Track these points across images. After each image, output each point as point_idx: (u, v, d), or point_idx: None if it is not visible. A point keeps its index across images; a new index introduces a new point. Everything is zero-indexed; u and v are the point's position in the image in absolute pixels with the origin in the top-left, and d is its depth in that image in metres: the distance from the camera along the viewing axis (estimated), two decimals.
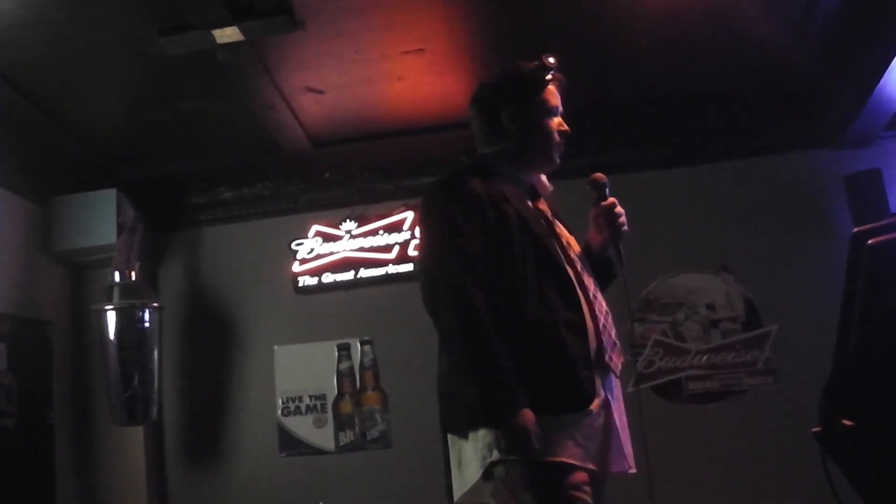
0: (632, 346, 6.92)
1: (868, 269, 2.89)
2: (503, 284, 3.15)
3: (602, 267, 3.58)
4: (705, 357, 6.87)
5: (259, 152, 7.23)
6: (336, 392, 7.23)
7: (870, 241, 2.89)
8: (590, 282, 3.37)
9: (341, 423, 7.19)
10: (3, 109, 6.11)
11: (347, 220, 7.35)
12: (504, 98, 3.51)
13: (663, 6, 5.65)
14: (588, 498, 3.12)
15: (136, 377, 6.66)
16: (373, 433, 7.13)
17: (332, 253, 7.35)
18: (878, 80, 5.86)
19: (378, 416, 7.12)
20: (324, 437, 7.20)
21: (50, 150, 6.82)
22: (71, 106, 6.38)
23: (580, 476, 3.10)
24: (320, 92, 6.32)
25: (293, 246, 7.44)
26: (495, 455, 3.11)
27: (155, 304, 6.92)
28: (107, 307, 6.69)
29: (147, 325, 6.79)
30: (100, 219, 6.94)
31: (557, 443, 3.06)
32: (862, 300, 2.90)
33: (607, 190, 3.56)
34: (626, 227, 3.52)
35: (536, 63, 3.52)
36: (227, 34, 5.38)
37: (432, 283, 3.24)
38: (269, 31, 5.50)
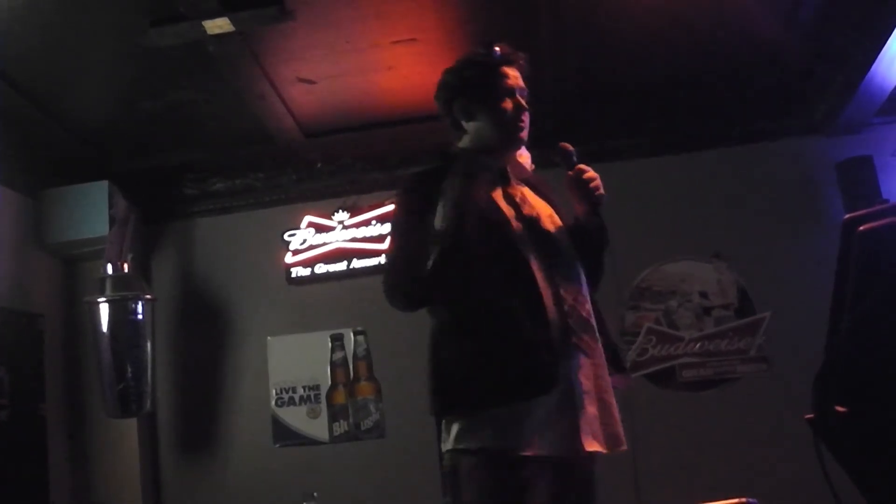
0: (622, 334, 6.96)
1: (860, 255, 2.90)
2: (460, 284, 3.16)
3: (592, 237, 3.53)
4: (698, 344, 6.88)
5: (251, 143, 7.22)
6: (330, 382, 7.24)
7: (861, 228, 2.90)
8: (559, 261, 3.34)
9: (335, 414, 7.19)
10: None
11: (340, 211, 7.34)
12: (455, 90, 3.53)
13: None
14: (538, 493, 3.10)
15: (130, 369, 6.65)
16: (367, 423, 7.13)
17: (324, 243, 7.34)
18: (869, 67, 5.87)
19: (372, 407, 7.12)
20: (318, 427, 7.21)
21: (41, 142, 6.81)
22: (62, 98, 6.37)
23: (531, 468, 3.07)
24: (311, 82, 6.31)
25: (286, 237, 7.43)
26: (449, 444, 3.16)
27: (148, 296, 6.91)
28: (99, 299, 6.67)
29: (140, 317, 6.77)
30: (92, 211, 6.92)
31: (509, 433, 3.05)
32: (854, 286, 2.90)
33: (575, 158, 3.49)
34: (601, 192, 3.44)
35: (483, 49, 3.56)
36: (218, 25, 5.37)
37: (391, 284, 3.33)
38: (259, 21, 5.49)
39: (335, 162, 7.21)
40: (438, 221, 3.21)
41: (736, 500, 4.19)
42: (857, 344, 2.86)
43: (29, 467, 6.15)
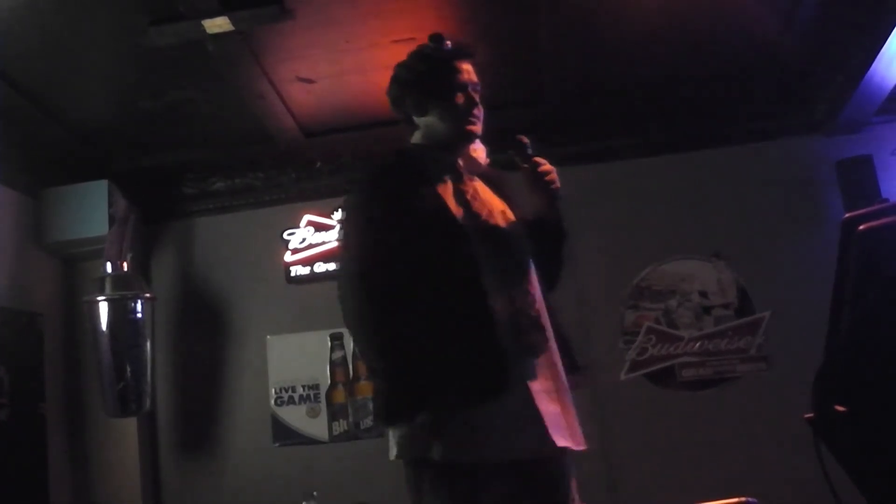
0: (622, 333, 6.96)
1: (860, 254, 2.90)
2: (407, 288, 3.10)
3: (549, 232, 3.50)
4: (698, 344, 6.88)
5: (250, 143, 7.22)
6: (329, 382, 7.24)
7: (861, 227, 2.90)
8: (508, 260, 3.29)
9: (334, 413, 7.19)
10: None
11: (339, 210, 7.33)
12: (404, 87, 3.50)
13: None
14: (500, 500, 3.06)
15: (129, 368, 6.65)
16: (366, 422, 7.13)
17: (324, 242, 7.34)
18: (869, 66, 5.86)
19: (371, 406, 7.12)
20: (317, 426, 7.21)
21: (41, 142, 6.80)
22: (62, 97, 6.36)
23: (490, 475, 3.04)
24: (311, 81, 6.31)
25: (285, 236, 7.43)
26: (395, 453, 3.16)
27: (147, 295, 6.91)
28: (99, 298, 6.67)
29: (139, 316, 6.77)
30: (91, 210, 6.93)
31: (465, 441, 3.01)
32: (854, 285, 2.90)
33: (529, 150, 3.44)
34: (557, 185, 3.41)
35: (435, 43, 3.52)
36: (218, 24, 5.37)
37: (341, 290, 3.24)
38: (259, 20, 5.49)
39: (335, 161, 7.20)
40: (395, 225, 3.17)
41: (736, 500, 4.19)
42: (857, 343, 2.86)
43: (29, 466, 6.15)
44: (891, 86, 6.18)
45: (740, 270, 6.94)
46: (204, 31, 5.44)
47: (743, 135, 7.11)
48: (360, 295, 3.12)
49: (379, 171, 3.43)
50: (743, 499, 4.19)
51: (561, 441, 3.09)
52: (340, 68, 6.09)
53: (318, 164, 7.35)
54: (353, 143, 7.06)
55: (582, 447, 3.22)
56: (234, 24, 5.40)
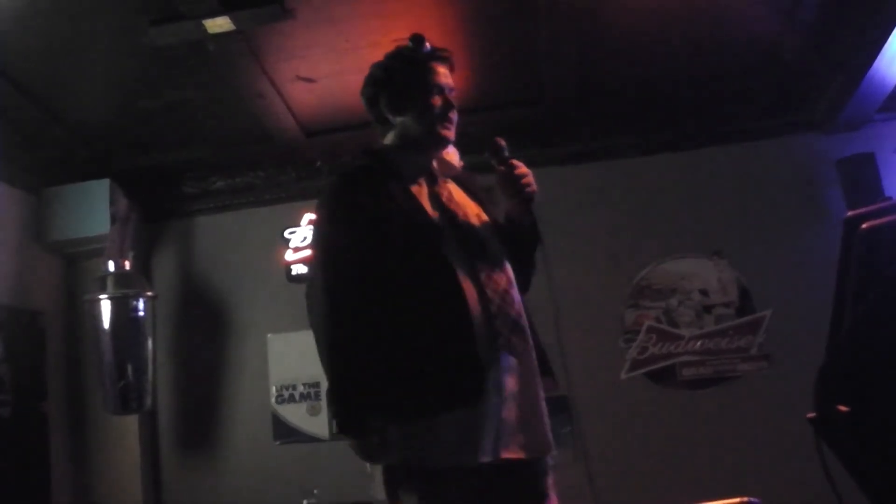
0: (623, 332, 6.96)
1: (862, 253, 2.90)
2: (376, 292, 3.07)
3: (523, 235, 3.42)
4: (699, 343, 6.87)
5: (251, 142, 7.23)
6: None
7: (863, 226, 2.90)
8: (485, 262, 3.22)
9: None
10: None
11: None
12: (380, 86, 3.47)
13: None
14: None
15: (130, 366, 6.67)
16: None
17: None
18: (871, 64, 5.86)
19: None
20: (318, 424, 7.21)
21: (42, 141, 6.82)
22: (63, 96, 6.37)
23: (458, 479, 3.00)
24: (311, 81, 6.32)
25: (286, 234, 7.43)
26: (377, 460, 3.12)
27: (148, 294, 6.93)
28: (100, 297, 6.70)
29: (141, 314, 6.79)
30: (93, 209, 6.95)
31: (434, 445, 2.97)
32: (855, 285, 2.90)
33: (505, 153, 3.35)
34: (532, 188, 3.31)
35: (412, 43, 3.48)
36: (218, 24, 5.38)
37: (308, 295, 3.23)
38: (259, 20, 5.50)
39: (335, 160, 7.20)
40: (362, 228, 3.15)
41: (738, 500, 4.19)
42: (859, 342, 2.86)
43: (31, 464, 6.17)
44: (892, 84, 6.17)
45: (741, 269, 6.93)
46: (205, 30, 5.44)
47: (743, 133, 7.09)
48: (321, 301, 3.11)
49: (347, 173, 3.40)
50: (745, 499, 4.19)
51: (507, 453, 3.03)
52: (341, 67, 6.09)
53: (319, 163, 7.35)
54: (353, 142, 7.06)
55: (548, 453, 3.18)
56: (234, 24, 5.41)
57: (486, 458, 2.97)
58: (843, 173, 6.72)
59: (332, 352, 3.07)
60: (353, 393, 3.02)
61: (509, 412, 3.05)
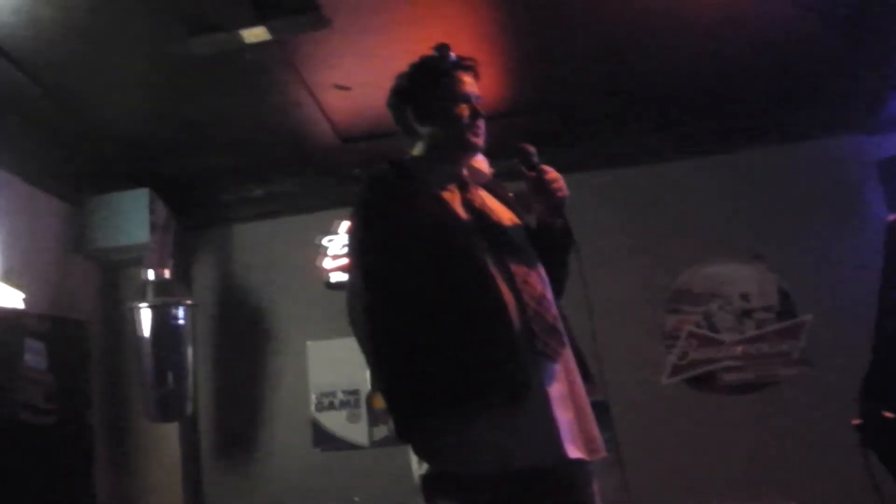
0: (662, 337, 6.93)
1: None
2: (416, 298, 3.04)
3: (555, 240, 3.42)
4: (739, 348, 6.83)
5: (288, 149, 7.24)
6: (369, 387, 7.24)
7: None
8: (520, 266, 3.22)
9: (375, 418, 7.21)
10: (35, 111, 6.17)
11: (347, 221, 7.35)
12: (407, 96, 3.48)
13: None
14: None
15: (171, 374, 6.72)
16: None
17: None
18: None
19: None
20: (358, 431, 7.24)
21: (82, 151, 6.87)
22: (102, 107, 6.40)
23: (504, 484, 2.96)
24: (347, 88, 6.32)
25: (324, 242, 7.46)
26: (421, 469, 3.11)
27: (189, 302, 6.97)
28: (141, 305, 6.75)
29: (181, 322, 6.84)
30: (133, 218, 6.99)
31: (479, 451, 2.95)
32: None
33: (535, 158, 3.35)
34: (563, 192, 3.31)
35: (438, 53, 3.49)
36: (255, 34, 5.39)
37: (349, 305, 3.22)
38: (296, 29, 5.50)
39: (372, 167, 7.19)
40: (398, 237, 3.14)
41: None
42: None
43: (75, 472, 6.20)
44: None
45: (782, 273, 6.89)
46: (242, 40, 5.45)
47: (782, 135, 7.06)
48: (364, 310, 3.10)
49: (377, 179, 3.41)
50: None
51: (574, 452, 3.03)
52: (377, 75, 6.01)
53: (356, 170, 7.36)
54: (390, 149, 7.06)
55: (600, 455, 3.16)
56: (271, 34, 5.42)
57: (541, 461, 2.97)
58: (884, 174, 6.66)
59: (379, 359, 3.07)
60: (405, 399, 3.01)
61: (562, 413, 3.05)
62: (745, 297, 6.94)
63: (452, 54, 3.47)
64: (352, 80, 6.23)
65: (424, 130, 3.43)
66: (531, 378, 2.98)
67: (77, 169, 7.05)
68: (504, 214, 3.39)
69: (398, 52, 5.74)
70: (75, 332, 6.28)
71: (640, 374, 6.78)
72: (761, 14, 5.89)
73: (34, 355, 5.56)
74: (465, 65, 3.46)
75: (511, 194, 3.57)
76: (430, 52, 3.51)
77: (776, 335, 6.79)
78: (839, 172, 6.92)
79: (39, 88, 5.94)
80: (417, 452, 3.06)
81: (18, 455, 5.20)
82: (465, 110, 3.36)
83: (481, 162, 3.49)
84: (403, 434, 3.04)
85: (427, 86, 3.43)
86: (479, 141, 3.40)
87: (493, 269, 3.11)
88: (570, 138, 6.99)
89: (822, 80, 6.72)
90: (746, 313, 6.89)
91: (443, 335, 3.01)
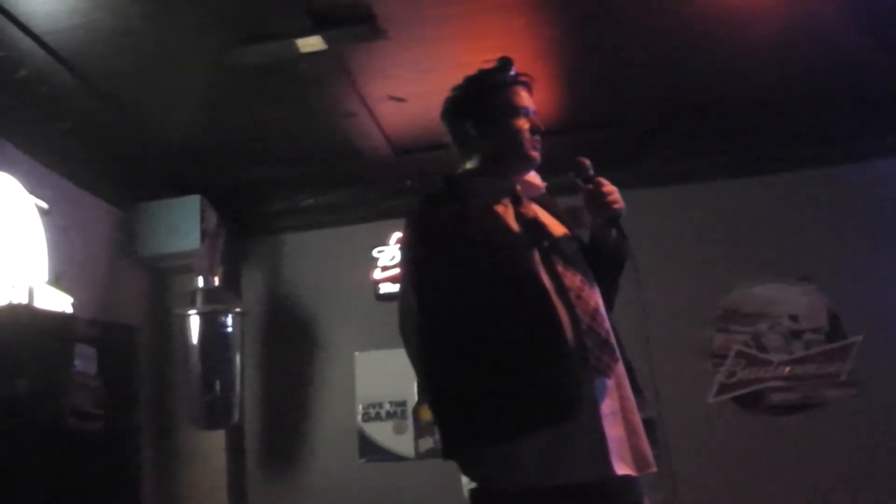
0: (710, 356, 6.91)
1: None
2: (469, 313, 3.04)
3: (609, 253, 3.40)
4: (787, 368, 6.80)
5: (340, 160, 7.26)
6: (416, 399, 7.26)
7: None
8: (574, 280, 3.19)
9: (421, 430, 7.21)
10: (88, 117, 6.22)
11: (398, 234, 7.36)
12: (466, 107, 3.47)
13: (741, 15, 5.59)
14: None
15: (218, 382, 6.74)
16: None
17: None
18: None
19: None
20: (404, 443, 7.25)
21: (135, 157, 6.91)
22: (155, 114, 6.45)
23: (556, 499, 2.96)
24: (401, 100, 6.34)
25: (374, 253, 7.49)
26: (470, 485, 3.07)
27: (237, 310, 7.00)
28: (190, 312, 6.79)
29: (229, 330, 6.87)
30: (183, 225, 7.04)
31: (532, 465, 2.94)
32: None
33: (591, 172, 3.34)
34: (619, 205, 3.29)
35: (494, 66, 3.48)
36: (311, 43, 5.41)
37: (401, 319, 3.21)
38: (351, 39, 5.51)
39: (424, 179, 7.21)
40: (455, 251, 3.14)
41: None
42: None
43: (122, 479, 6.23)
44: None
45: (831, 294, 6.86)
46: (297, 49, 5.48)
47: (833, 156, 7.02)
48: (418, 336, 3.10)
49: (432, 196, 3.42)
50: None
51: (621, 468, 3.01)
52: (431, 87, 6.03)
53: (408, 181, 7.39)
54: (442, 162, 7.07)
55: (650, 470, 3.14)
56: (327, 43, 5.44)
57: (589, 477, 2.96)
58: None
59: (431, 378, 3.07)
60: (454, 417, 3.01)
61: (612, 429, 3.03)
62: (793, 317, 6.91)
63: (512, 69, 3.46)
64: (406, 91, 6.25)
65: (482, 143, 3.42)
66: (583, 396, 2.97)
67: (129, 175, 7.11)
68: (557, 229, 3.37)
69: (453, 65, 5.78)
70: (125, 337, 6.32)
71: (687, 392, 6.75)
72: (819, 35, 5.86)
73: (84, 360, 5.58)
74: (522, 80, 3.46)
75: (566, 209, 3.58)
76: (487, 65, 3.51)
77: (824, 356, 6.75)
78: (891, 194, 6.87)
79: (93, 94, 6.00)
80: (465, 470, 3.05)
81: (66, 460, 5.23)
82: (524, 123, 3.36)
83: (534, 176, 3.49)
84: (452, 453, 3.03)
85: (488, 97, 3.42)
86: (537, 155, 3.40)
87: (547, 284, 3.10)
88: (620, 155, 6.98)
89: (877, 102, 6.68)
90: (795, 334, 6.86)
91: (496, 356, 3.00)
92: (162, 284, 7.53)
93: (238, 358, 6.98)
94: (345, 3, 5.23)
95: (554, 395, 2.94)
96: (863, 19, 5.77)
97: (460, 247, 3.13)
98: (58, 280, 5.91)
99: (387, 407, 7.31)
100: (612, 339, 3.18)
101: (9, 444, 4.75)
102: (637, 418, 3.18)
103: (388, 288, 7.39)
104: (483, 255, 3.11)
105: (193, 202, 7.10)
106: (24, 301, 5.38)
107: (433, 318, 3.06)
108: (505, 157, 3.39)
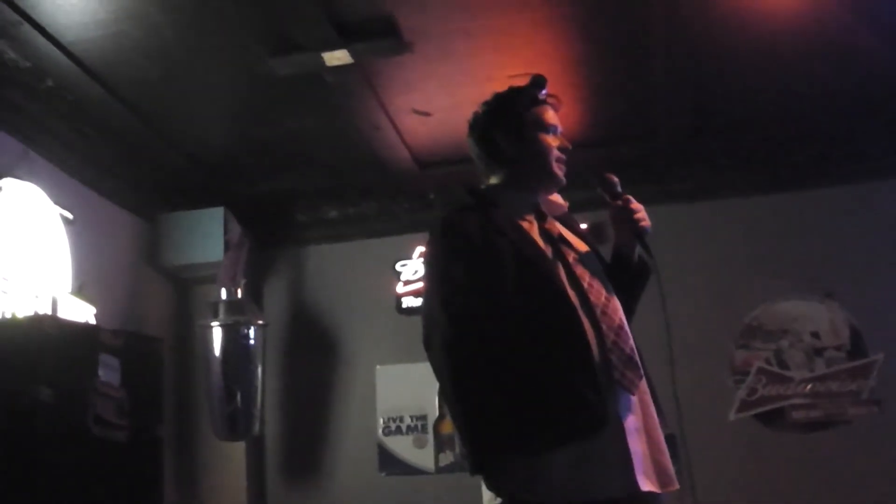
0: (732, 372, 6.89)
1: None
2: (496, 326, 3.05)
3: (633, 270, 3.42)
4: (809, 386, 6.78)
5: (364, 172, 7.29)
6: (437, 413, 7.27)
7: None
8: (599, 296, 3.18)
9: (441, 444, 7.20)
10: (114, 127, 6.27)
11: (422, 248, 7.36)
12: (497, 120, 3.44)
13: (771, 29, 5.59)
14: None
15: (239, 393, 6.76)
16: None
17: None
18: None
19: None
20: (424, 457, 7.24)
21: (159, 167, 6.97)
22: (180, 124, 6.48)
23: None
24: (426, 114, 6.36)
25: (397, 266, 7.50)
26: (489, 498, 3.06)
27: (260, 322, 7.02)
28: (213, 323, 6.81)
29: (251, 341, 6.88)
30: (207, 235, 7.07)
31: (557, 480, 2.91)
32: None
33: (618, 188, 3.35)
34: (645, 223, 3.31)
35: (528, 82, 3.47)
36: (337, 57, 5.43)
37: (426, 332, 3.18)
38: (377, 53, 5.54)
39: (448, 193, 7.22)
40: (484, 264, 3.12)
41: None
42: None
43: (144, 488, 6.24)
44: None
45: (853, 311, 6.83)
46: (323, 62, 5.50)
47: (857, 173, 7.00)
48: (444, 351, 3.07)
49: (457, 210, 3.39)
50: None
51: (646, 485, 3.00)
52: (456, 101, 6.08)
53: (432, 195, 7.41)
54: (466, 176, 7.07)
55: (673, 487, 3.14)
56: (353, 57, 5.46)
57: (614, 493, 2.95)
58: None
59: (456, 393, 3.04)
60: (484, 429, 2.99)
61: (636, 445, 3.03)
62: (815, 335, 6.89)
63: (543, 87, 3.46)
64: (431, 105, 6.27)
65: (510, 158, 3.40)
66: (609, 412, 2.96)
67: (153, 185, 7.15)
68: (581, 246, 3.35)
69: (479, 80, 5.81)
70: (149, 347, 6.33)
71: (709, 409, 6.72)
72: (850, 51, 5.86)
73: (108, 370, 5.59)
74: (551, 99, 3.46)
75: (583, 227, 3.58)
76: (519, 80, 3.52)
77: (846, 374, 6.73)
78: None
79: (119, 104, 6.03)
80: (492, 485, 3.02)
81: (90, 469, 5.25)
82: (553, 141, 3.37)
83: (556, 196, 3.48)
84: (480, 467, 3.01)
85: (519, 113, 3.41)
86: (563, 173, 3.40)
87: (574, 300, 3.10)
88: (647, 171, 6.98)
89: None
90: (817, 351, 6.84)
91: (526, 369, 3.01)
92: (185, 295, 7.56)
93: (260, 370, 6.99)
94: (371, 16, 5.26)
95: (583, 407, 2.93)
96: (888, 36, 5.76)
97: (489, 260, 3.12)
98: (81, 290, 5.93)
99: (407, 421, 7.31)
100: (636, 356, 3.18)
101: (33, 453, 4.77)
102: (660, 435, 3.19)
103: (410, 302, 7.40)
104: (512, 268, 3.11)
105: (217, 213, 7.13)
106: (49, 311, 5.40)
107: (463, 332, 3.04)
108: (532, 173, 3.38)
